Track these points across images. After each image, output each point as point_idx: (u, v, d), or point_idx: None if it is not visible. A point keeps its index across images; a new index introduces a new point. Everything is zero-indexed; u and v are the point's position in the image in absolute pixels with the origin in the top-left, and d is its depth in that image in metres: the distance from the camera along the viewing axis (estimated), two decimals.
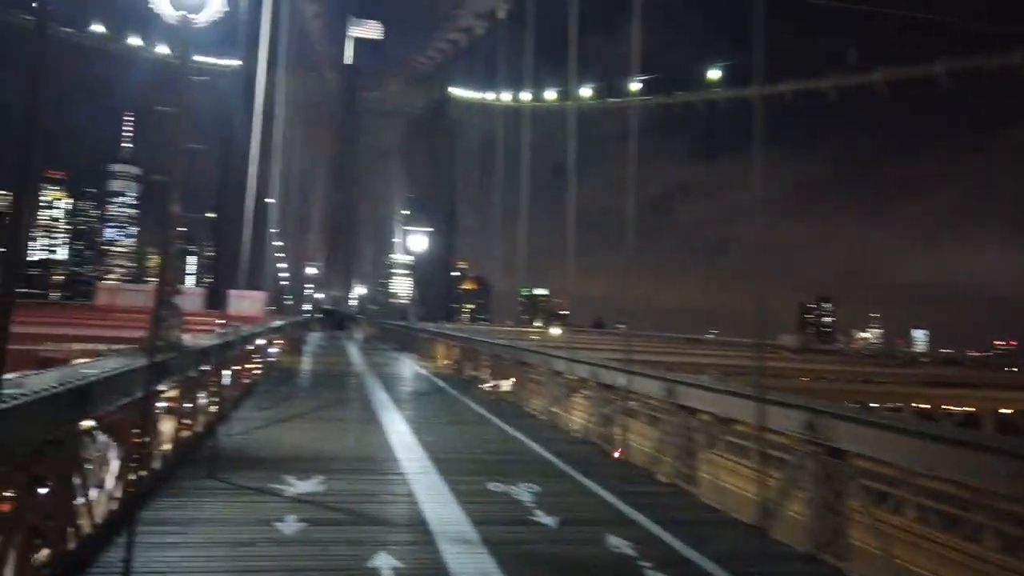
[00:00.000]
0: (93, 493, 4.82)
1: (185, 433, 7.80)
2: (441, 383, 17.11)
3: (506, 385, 14.81)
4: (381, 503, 6.21)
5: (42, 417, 3.65)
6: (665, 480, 7.46)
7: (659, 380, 7.61)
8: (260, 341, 16.15)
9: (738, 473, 7.43)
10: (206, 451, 7.26)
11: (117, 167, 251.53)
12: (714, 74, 38.70)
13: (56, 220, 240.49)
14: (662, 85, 40.65)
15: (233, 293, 32.99)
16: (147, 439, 6.19)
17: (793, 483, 5.64)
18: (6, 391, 3.25)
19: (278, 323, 23.31)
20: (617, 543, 5.28)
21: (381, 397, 13.33)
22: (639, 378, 8.01)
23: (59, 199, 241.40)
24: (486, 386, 16.24)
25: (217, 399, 9.90)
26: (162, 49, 52.59)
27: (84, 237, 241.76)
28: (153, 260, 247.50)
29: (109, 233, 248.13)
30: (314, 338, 40.00)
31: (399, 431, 9.69)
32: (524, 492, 6.60)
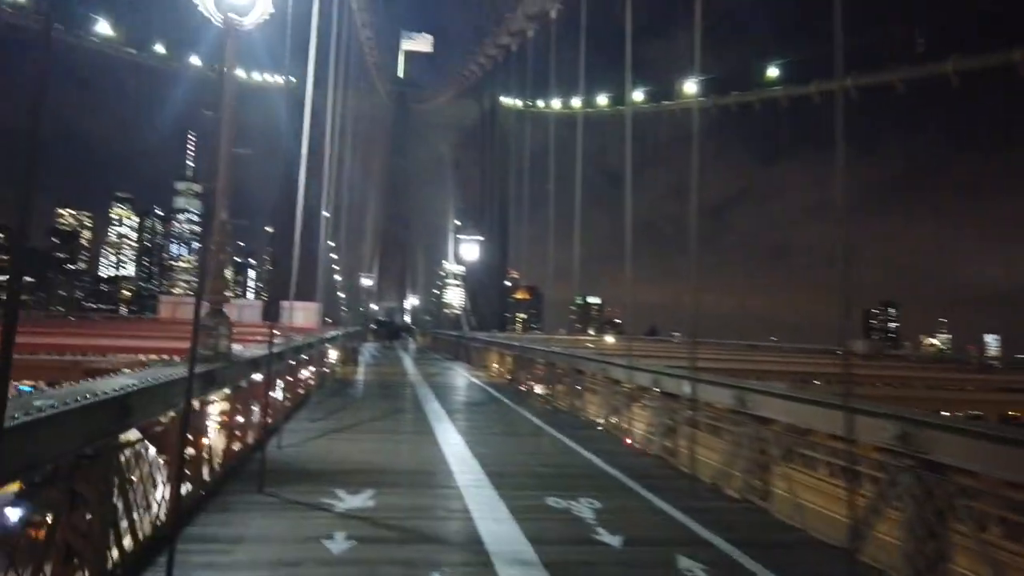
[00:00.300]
0: (135, 510, 4.63)
1: (235, 445, 7.65)
2: (495, 393, 16.80)
3: (562, 394, 14.39)
4: (434, 519, 5.89)
5: (74, 429, 3.44)
6: (736, 496, 6.94)
7: (729, 388, 7.09)
8: (313, 351, 16.15)
9: (818, 489, 6.84)
10: (255, 464, 7.08)
11: (181, 185, 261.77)
12: (772, 72, 37.44)
13: (124, 238, 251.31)
14: (719, 85, 39.55)
15: (287, 304, 33.49)
16: (193, 452, 6.03)
17: (885, 501, 5.07)
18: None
19: (332, 334, 23.41)
20: (689, 565, 4.83)
21: (434, 407, 13.08)
22: (706, 386, 7.50)
23: (127, 217, 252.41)
24: (540, 395, 15.86)
25: (268, 410, 9.79)
26: (225, 67, 54.19)
27: (151, 253, 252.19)
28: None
29: (174, 249, 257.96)
30: (368, 348, 40.31)
31: (452, 443, 9.39)
32: (585, 508, 6.19)
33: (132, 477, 4.74)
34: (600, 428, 11.42)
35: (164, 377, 4.90)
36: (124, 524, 4.36)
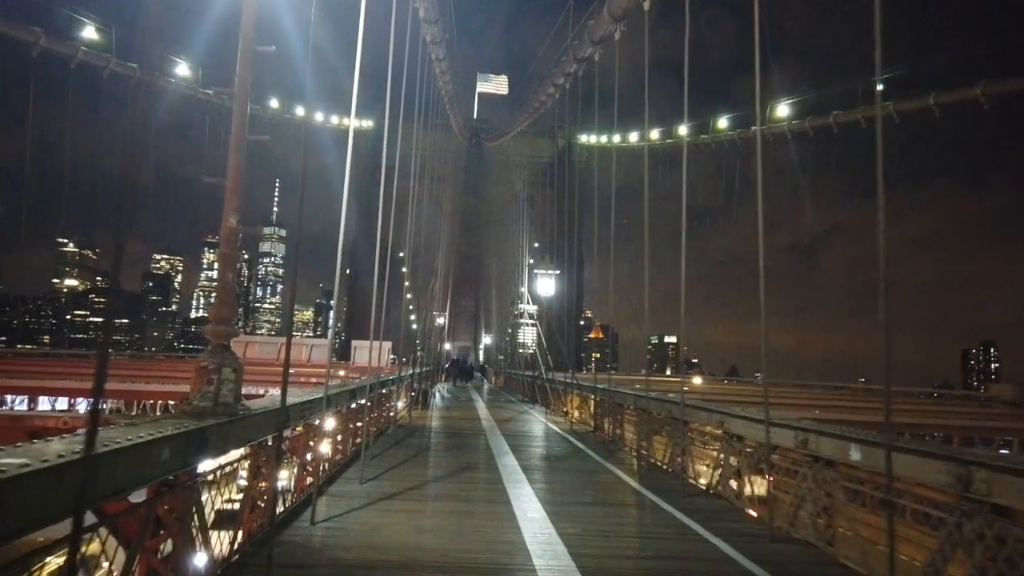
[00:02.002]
0: None
1: (251, 525, 5.87)
2: (577, 443, 14.64)
3: (659, 447, 12.11)
4: None
5: None
6: None
7: (944, 460, 4.81)
8: (374, 394, 14.47)
9: None
10: (276, 546, 5.26)
11: (267, 230, 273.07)
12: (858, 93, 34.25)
13: (213, 281, 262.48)
14: (813, 107, 36.73)
15: (356, 343, 32.16)
16: (170, 542, 4.25)
17: None
18: None
19: (400, 374, 21.82)
20: None
21: (509, 463, 11.04)
22: (903, 455, 5.19)
23: (216, 261, 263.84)
24: (632, 448, 13.59)
25: (306, 470, 8.04)
26: (311, 114, 55.20)
27: (237, 296, 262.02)
28: (300, 316, 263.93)
29: (260, 291, 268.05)
30: (440, 389, 38.72)
31: (533, 516, 7.33)
32: None
33: None
34: (719, 498, 9.12)
35: (131, 440, 3.16)
36: None
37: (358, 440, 12.20)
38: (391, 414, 17.80)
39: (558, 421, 20.54)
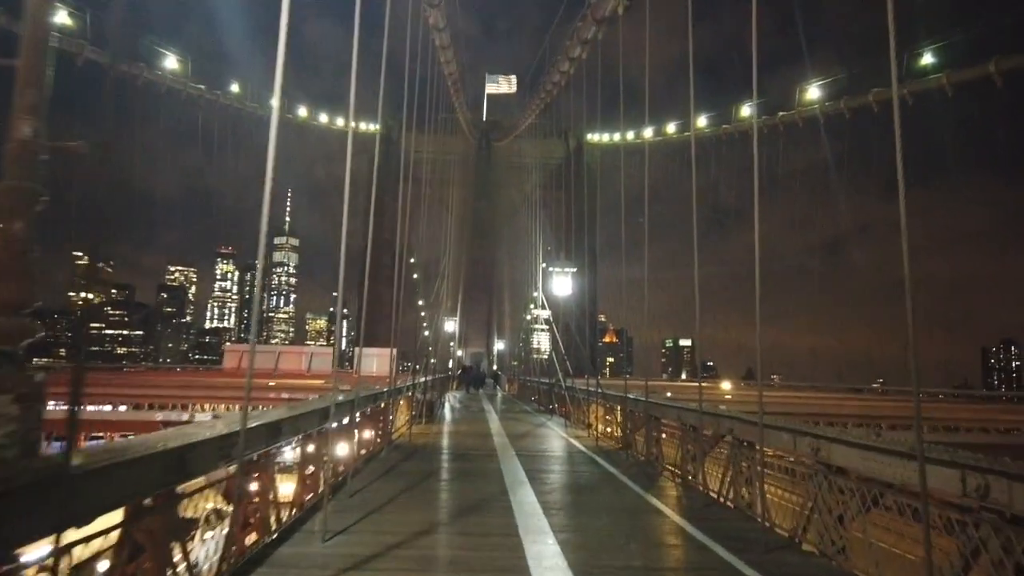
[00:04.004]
0: None
1: None
2: (607, 466, 12.24)
3: (715, 475, 9.70)
4: None
5: None
6: None
7: None
8: (363, 409, 12.16)
9: None
10: None
11: (279, 240, 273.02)
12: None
13: (227, 292, 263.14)
14: (843, 89, 33.97)
15: (360, 351, 29.72)
16: None
17: None
18: None
19: (401, 384, 19.52)
20: None
21: (526, 500, 8.65)
22: None
23: (230, 272, 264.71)
24: (674, 470, 11.17)
25: (249, 522, 5.73)
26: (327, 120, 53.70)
27: (250, 306, 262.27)
28: (313, 325, 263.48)
29: (272, 301, 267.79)
30: (451, 398, 36.38)
31: None
32: None
33: None
34: (807, 547, 6.72)
35: None
36: None
37: (340, 469, 9.90)
38: (390, 431, 15.50)
39: (580, 435, 18.13)
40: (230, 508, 5.88)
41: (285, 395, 13.22)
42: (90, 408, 13.77)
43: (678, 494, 9.67)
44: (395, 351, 26.53)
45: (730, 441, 9.06)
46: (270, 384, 18.08)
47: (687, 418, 10.62)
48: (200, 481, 4.89)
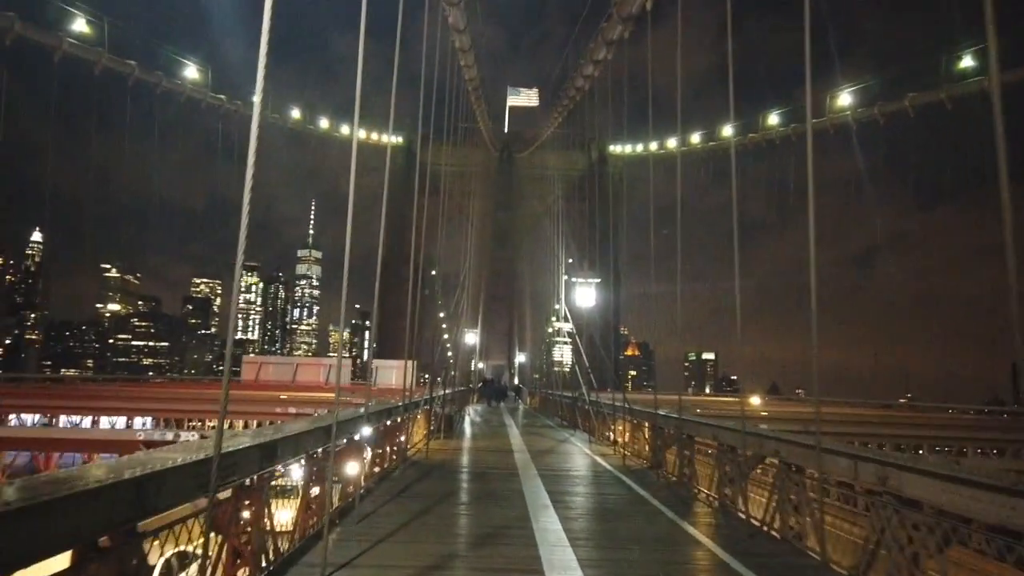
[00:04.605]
0: None
1: None
2: (636, 487, 11.41)
3: (760, 500, 8.84)
4: None
5: None
6: None
7: None
8: (377, 424, 11.48)
9: None
10: None
11: (302, 252, 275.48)
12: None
13: (251, 303, 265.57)
14: (873, 96, 32.86)
15: (378, 363, 29.12)
16: None
17: None
18: None
19: (421, 397, 18.85)
20: None
21: (550, 528, 7.88)
22: None
23: (254, 284, 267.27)
24: (712, 496, 10.31)
25: (239, 557, 5.03)
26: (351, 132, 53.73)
27: (274, 318, 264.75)
28: (335, 336, 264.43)
29: (295, 313, 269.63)
30: (471, 412, 35.62)
31: None
32: None
33: None
34: None
35: None
36: None
37: (351, 489, 9.21)
38: (405, 447, 14.80)
39: (605, 452, 17.28)
40: (217, 540, 5.20)
41: (292, 410, 12.59)
42: (66, 423, 13.27)
43: (716, 522, 8.82)
44: (410, 363, 25.93)
45: (776, 464, 8.21)
46: (281, 397, 17.47)
47: (725, 437, 9.77)
48: (176, 513, 4.22)
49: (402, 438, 14.33)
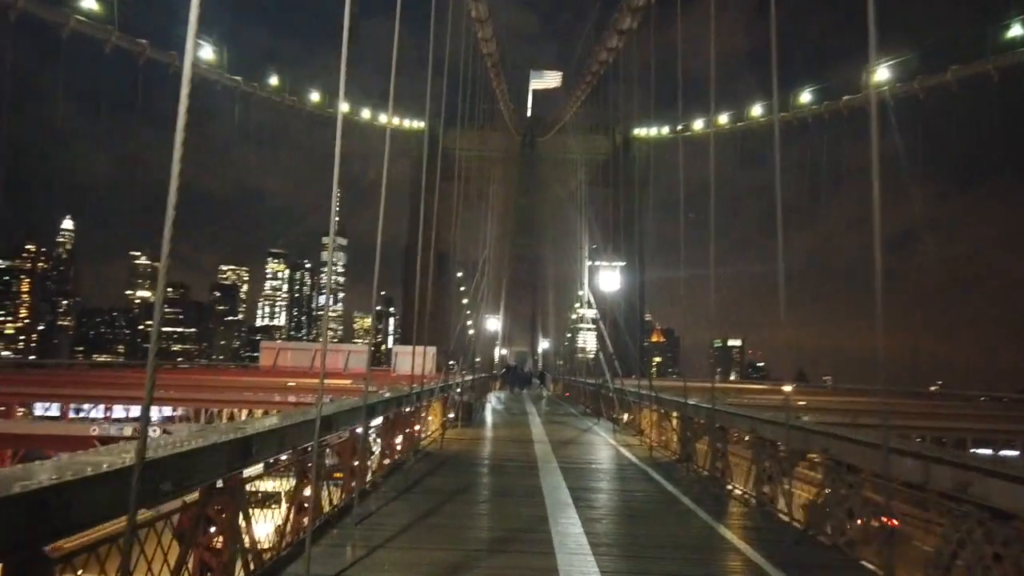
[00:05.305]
0: None
1: None
2: (665, 483, 10.57)
3: (806, 498, 7.95)
4: None
5: None
6: None
7: None
8: (385, 413, 10.75)
9: None
10: None
11: (327, 239, 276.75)
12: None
13: (277, 290, 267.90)
14: (911, 71, 31.19)
15: (398, 349, 28.39)
16: None
17: None
18: None
19: (438, 384, 18.15)
20: None
21: (571, 532, 7.06)
22: None
23: (280, 271, 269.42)
24: (747, 493, 9.43)
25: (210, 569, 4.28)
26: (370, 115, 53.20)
27: (299, 304, 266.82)
28: (360, 323, 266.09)
29: (321, 300, 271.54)
30: (493, 399, 34.93)
31: None
32: None
33: None
34: None
35: None
36: None
37: (354, 484, 8.48)
38: (421, 436, 14.11)
39: (630, 443, 16.43)
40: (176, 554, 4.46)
41: (292, 398, 11.91)
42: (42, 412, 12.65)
43: (756, 524, 7.95)
44: (427, 349, 25.20)
45: (824, 462, 7.31)
46: (289, 384, 16.80)
47: (765, 431, 8.86)
48: (105, 529, 3.48)
49: (417, 427, 13.62)
